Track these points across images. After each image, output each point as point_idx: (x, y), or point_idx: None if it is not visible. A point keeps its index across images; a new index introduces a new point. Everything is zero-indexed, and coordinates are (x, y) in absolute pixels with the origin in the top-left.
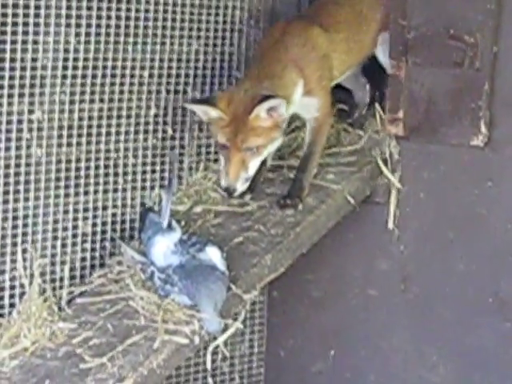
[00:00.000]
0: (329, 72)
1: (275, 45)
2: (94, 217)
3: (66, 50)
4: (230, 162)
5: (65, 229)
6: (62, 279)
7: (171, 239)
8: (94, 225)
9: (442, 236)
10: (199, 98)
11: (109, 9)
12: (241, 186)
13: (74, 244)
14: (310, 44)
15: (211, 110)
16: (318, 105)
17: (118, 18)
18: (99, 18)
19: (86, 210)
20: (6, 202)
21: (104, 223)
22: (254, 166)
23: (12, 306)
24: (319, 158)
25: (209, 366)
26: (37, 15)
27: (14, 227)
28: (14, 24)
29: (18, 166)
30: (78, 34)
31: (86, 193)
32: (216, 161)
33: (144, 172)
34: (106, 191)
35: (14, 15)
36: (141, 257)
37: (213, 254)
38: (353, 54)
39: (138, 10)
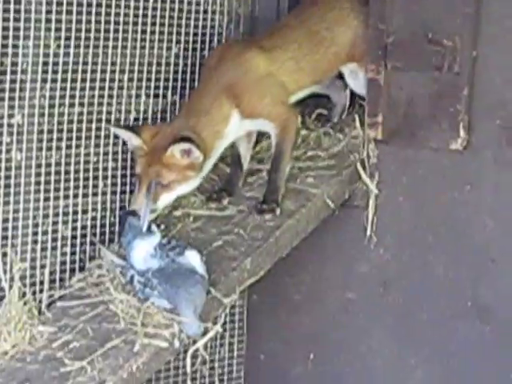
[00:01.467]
0: (278, 88)
1: (209, 73)
2: (74, 220)
3: (46, 54)
4: (138, 191)
5: (45, 232)
6: (41, 283)
7: (150, 243)
8: (74, 228)
9: (421, 240)
10: (125, 125)
11: (88, 13)
12: (144, 216)
13: (53, 248)
14: (244, 68)
15: (133, 138)
16: (269, 120)
17: (98, 22)
18: (79, 22)
19: (65, 213)
20: None
21: (84, 227)
22: (163, 199)
23: None
24: (290, 157)
25: (189, 369)
26: (16, 19)
27: None
28: None
29: None
30: (57, 38)
31: (66, 197)
32: None
33: (124, 176)
34: (85, 195)
35: None
36: (120, 260)
37: (192, 258)
38: (306, 73)
39: (117, 14)
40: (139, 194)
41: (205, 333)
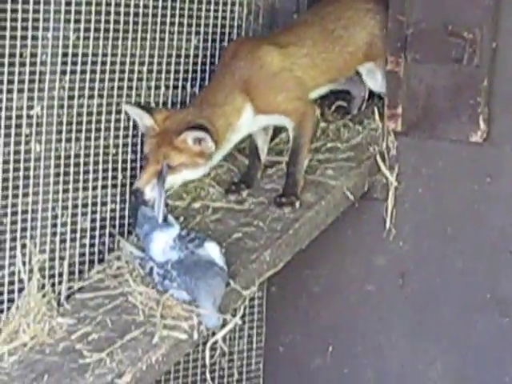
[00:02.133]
0: (294, 83)
1: (223, 68)
2: (93, 212)
3: (65, 46)
4: (145, 170)
5: (64, 224)
6: (60, 275)
7: (170, 235)
8: (93, 220)
9: (440, 232)
10: (139, 103)
11: (108, 4)
12: (149, 192)
13: (73, 239)
14: (258, 64)
15: (146, 118)
16: (285, 115)
17: (117, 13)
18: (98, 13)
19: (84, 205)
20: (5, 197)
21: (103, 219)
22: (169, 181)
23: (11, 301)
24: (309, 150)
25: (208, 361)
26: (36, 11)
27: (13, 223)
28: (13, 19)
29: (16, 161)
30: (77, 30)
31: (85, 188)
32: None
33: (143, 167)
34: (104, 187)
35: (13, 11)
36: (139, 252)
37: (211, 250)
38: (321, 71)
39: (137, 6)
40: (144, 174)
41: (224, 325)
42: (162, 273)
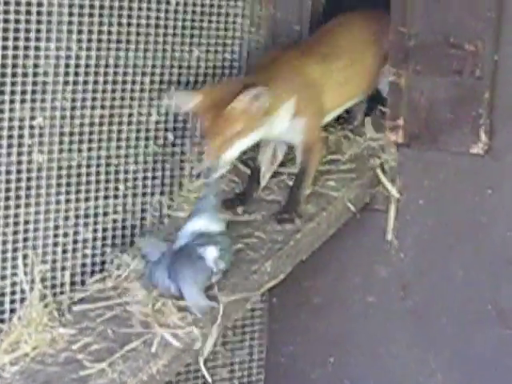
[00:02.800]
0: (318, 105)
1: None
2: (95, 223)
3: (68, 57)
4: (205, 147)
5: (65, 235)
6: (62, 285)
7: (200, 225)
8: (95, 231)
9: (441, 243)
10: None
11: (110, 15)
12: (220, 167)
13: (74, 250)
14: (302, 77)
15: (192, 95)
16: (304, 127)
17: (120, 24)
18: (101, 24)
19: (86, 216)
20: (7, 207)
21: (105, 229)
22: (228, 154)
23: (13, 311)
24: (313, 176)
25: (205, 372)
26: (38, 22)
27: (15, 233)
28: (16, 30)
29: (19, 171)
30: (79, 41)
31: (87, 199)
32: None
33: (145, 178)
34: (106, 197)
35: (16, 21)
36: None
37: (209, 253)
38: (351, 85)
39: (139, 17)
40: (206, 151)
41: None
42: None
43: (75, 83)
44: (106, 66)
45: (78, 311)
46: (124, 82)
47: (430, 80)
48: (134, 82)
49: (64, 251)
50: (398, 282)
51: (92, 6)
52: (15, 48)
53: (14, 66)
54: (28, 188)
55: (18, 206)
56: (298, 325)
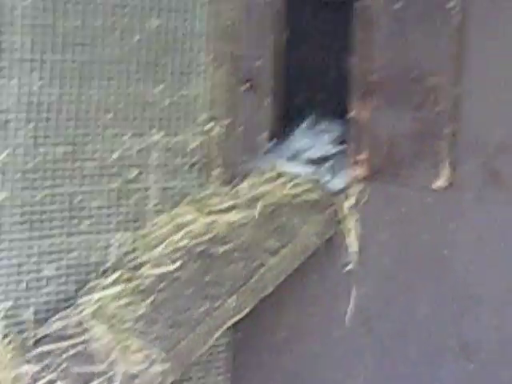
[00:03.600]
0: None
1: None
2: (58, 260)
3: (31, 93)
4: None
5: (29, 272)
6: (26, 322)
7: None
8: (58, 268)
9: (404, 278)
10: None
11: (73, 52)
12: None
13: (38, 287)
14: None
15: None
16: None
17: (82, 62)
18: (63, 61)
19: (50, 253)
20: None
21: (68, 266)
22: None
23: None
24: None
25: None
26: (0, 58)
27: None
28: None
29: None
30: (41, 78)
31: (51, 236)
32: (180, 203)
33: (108, 215)
34: (70, 234)
35: None
36: None
37: None
38: None
39: (101, 54)
40: None
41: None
42: None
43: (38, 120)
44: (69, 102)
45: (41, 348)
46: (86, 119)
47: (392, 114)
48: (97, 118)
49: (28, 288)
50: (362, 316)
51: (54, 43)
52: None
53: None
54: None
55: None
56: (262, 360)
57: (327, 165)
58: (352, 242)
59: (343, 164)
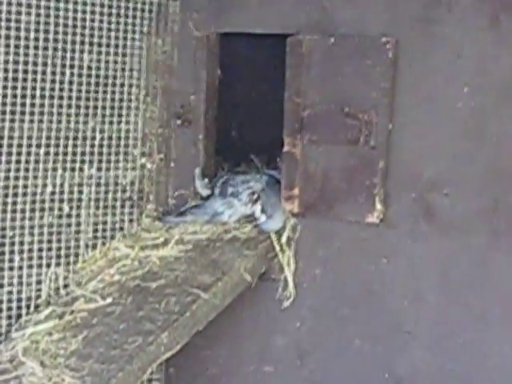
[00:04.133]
0: None
1: None
2: None
3: None
4: None
5: None
6: None
7: None
8: None
9: (337, 312)
10: None
11: (4, 87)
12: None
13: None
14: None
15: None
16: None
17: (14, 95)
18: None
19: None
20: None
21: (0, 301)
22: None
23: None
24: None
25: None
26: None
27: None
28: None
29: None
30: None
31: None
32: (112, 238)
33: (40, 250)
34: (1, 269)
35: None
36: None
37: None
38: None
39: (33, 88)
40: None
41: None
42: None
43: None
44: (0, 137)
45: None
46: (18, 154)
47: (325, 149)
48: (28, 154)
49: None
50: (295, 350)
51: None
52: None
53: None
54: None
55: None
56: None
57: (259, 206)
58: (286, 277)
59: (278, 204)
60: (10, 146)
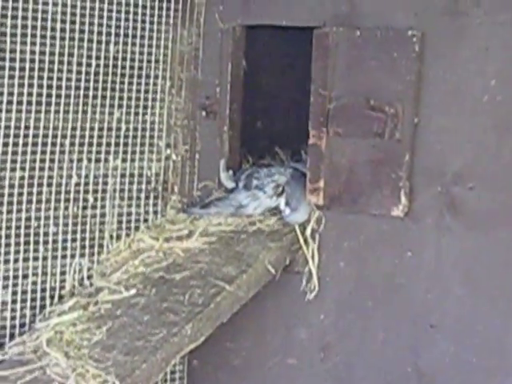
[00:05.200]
0: None
1: None
2: (14, 285)
3: None
4: None
5: None
6: None
7: None
8: (14, 293)
9: (361, 305)
10: None
11: (31, 77)
12: None
13: None
14: None
15: None
16: None
17: (40, 86)
18: (21, 86)
19: (6, 278)
20: None
21: (24, 291)
22: None
23: None
24: None
25: None
26: None
27: None
28: None
29: None
30: None
31: (7, 261)
32: (137, 229)
33: (65, 240)
34: (26, 259)
35: None
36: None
37: None
38: None
39: (59, 79)
40: None
41: None
42: None
43: None
44: (26, 127)
45: None
46: (44, 144)
47: (351, 142)
48: (54, 144)
49: None
50: (318, 343)
51: (12, 68)
52: None
53: None
54: None
55: None
56: None
57: (284, 199)
58: (310, 269)
59: (303, 197)
60: (35, 136)
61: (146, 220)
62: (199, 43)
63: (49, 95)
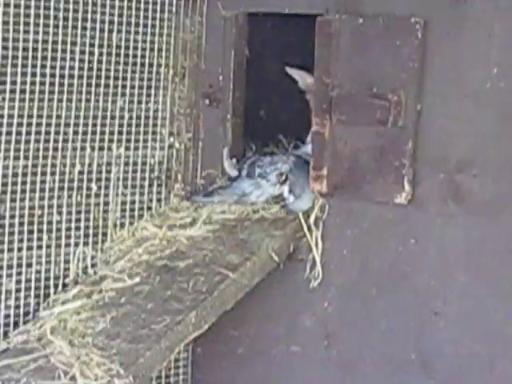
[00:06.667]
0: None
1: None
2: (18, 273)
3: None
4: None
5: None
6: None
7: None
8: (18, 282)
9: (365, 292)
10: (298, 65)
11: (33, 66)
12: None
13: None
14: None
15: (307, 76)
16: None
17: (43, 74)
18: (23, 74)
19: (9, 266)
20: None
21: (28, 280)
22: None
23: None
24: None
25: None
26: None
27: None
28: None
29: None
30: (1, 91)
31: (10, 249)
32: (140, 217)
33: (68, 229)
34: (30, 248)
35: None
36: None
37: None
38: None
39: (62, 68)
40: None
41: None
42: None
43: None
44: (29, 116)
45: (1, 362)
46: (47, 133)
47: (354, 130)
48: (57, 133)
49: None
50: (322, 331)
51: (15, 57)
52: None
53: None
54: None
55: None
56: (222, 375)
57: (287, 187)
58: (314, 257)
59: (306, 185)
60: (38, 125)
61: (149, 208)
62: (202, 31)
63: (52, 83)
